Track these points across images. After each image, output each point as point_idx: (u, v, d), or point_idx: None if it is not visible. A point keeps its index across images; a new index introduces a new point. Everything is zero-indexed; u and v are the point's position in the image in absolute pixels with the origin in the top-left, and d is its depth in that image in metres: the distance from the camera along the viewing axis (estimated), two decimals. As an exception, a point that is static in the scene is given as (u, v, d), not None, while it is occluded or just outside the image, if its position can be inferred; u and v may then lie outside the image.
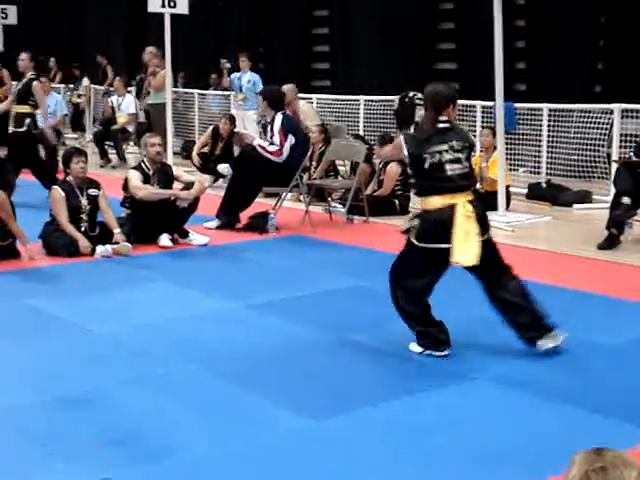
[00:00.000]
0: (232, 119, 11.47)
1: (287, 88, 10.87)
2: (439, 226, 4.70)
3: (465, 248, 4.65)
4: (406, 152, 4.82)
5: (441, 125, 4.80)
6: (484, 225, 4.79)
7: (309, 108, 11.21)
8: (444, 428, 3.95)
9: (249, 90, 12.65)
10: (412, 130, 11.41)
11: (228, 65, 13.58)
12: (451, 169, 4.75)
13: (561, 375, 4.62)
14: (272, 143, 8.49)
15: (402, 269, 4.91)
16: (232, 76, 13.02)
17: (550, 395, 4.30)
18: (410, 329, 4.95)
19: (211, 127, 11.87)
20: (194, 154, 11.47)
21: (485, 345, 5.07)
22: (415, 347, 4.95)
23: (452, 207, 4.69)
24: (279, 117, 8.59)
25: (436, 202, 4.74)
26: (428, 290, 4.89)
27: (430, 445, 3.77)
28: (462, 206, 4.69)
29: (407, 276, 4.88)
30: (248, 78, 12.67)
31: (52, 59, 18.34)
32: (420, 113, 11.45)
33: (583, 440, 3.72)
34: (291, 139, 8.51)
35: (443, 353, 4.87)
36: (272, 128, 8.53)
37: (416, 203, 4.95)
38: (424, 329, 4.91)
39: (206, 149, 11.43)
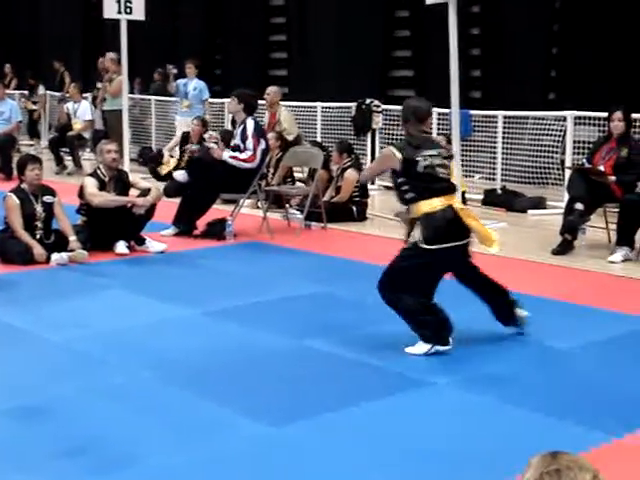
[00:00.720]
0: (204, 121, 11.45)
1: (273, 89, 10.91)
2: (449, 225, 4.90)
3: (490, 237, 5.10)
4: (400, 157, 4.94)
5: (425, 135, 5.13)
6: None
7: (289, 113, 11.22)
8: (404, 433, 3.97)
9: (195, 97, 12.64)
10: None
11: (175, 71, 13.54)
12: (442, 172, 4.98)
13: (516, 379, 4.67)
14: (244, 150, 8.45)
15: (406, 276, 4.97)
16: (178, 82, 13.00)
17: (508, 399, 4.35)
18: (414, 328, 5.01)
19: (181, 132, 11.82)
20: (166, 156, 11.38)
21: (443, 350, 5.11)
22: (418, 348, 4.99)
23: (450, 207, 4.92)
24: (251, 121, 8.58)
25: (436, 203, 4.90)
26: (432, 293, 5.07)
27: (391, 450, 3.79)
28: (458, 205, 5.04)
29: (411, 283, 4.97)
30: (194, 85, 12.67)
31: (7, 65, 18.13)
32: (377, 120, 11.57)
33: (539, 442, 3.77)
34: (262, 144, 8.52)
35: (448, 347, 4.98)
36: (244, 132, 8.50)
37: (412, 210, 4.99)
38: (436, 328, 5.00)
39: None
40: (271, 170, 10.00)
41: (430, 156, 4.95)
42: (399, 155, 4.96)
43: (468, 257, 5.19)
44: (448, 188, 5.01)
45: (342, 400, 4.34)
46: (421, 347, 5.00)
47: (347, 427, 4.04)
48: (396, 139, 11.48)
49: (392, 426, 4.06)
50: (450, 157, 5.27)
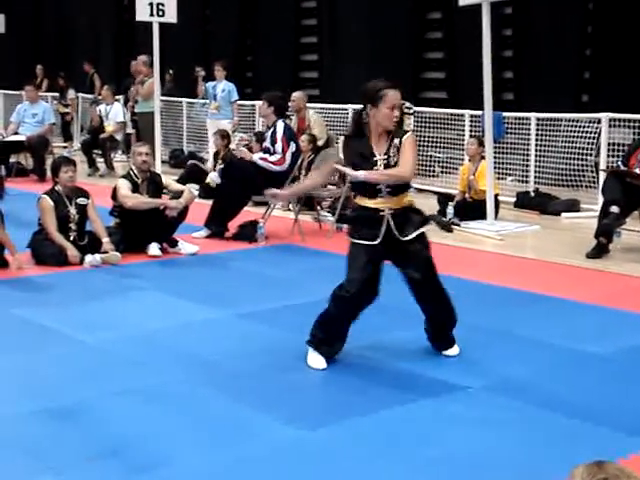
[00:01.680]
0: (222, 134, 11.43)
1: (298, 95, 10.88)
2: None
3: None
4: None
5: None
6: None
7: (318, 117, 11.19)
8: (436, 438, 3.94)
9: (223, 99, 12.67)
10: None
11: (203, 73, 13.57)
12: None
13: (552, 384, 4.62)
14: (273, 152, 8.46)
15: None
16: (207, 85, 13.04)
17: (542, 404, 4.30)
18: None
19: (213, 153, 11.84)
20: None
21: (475, 354, 5.07)
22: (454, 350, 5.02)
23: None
24: (281, 124, 8.58)
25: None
26: None
27: (423, 455, 3.76)
28: None
29: None
30: (223, 87, 12.70)
31: (39, 66, 18.26)
32: (408, 122, 11.52)
33: (576, 449, 3.76)
34: (292, 147, 8.51)
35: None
36: (274, 135, 8.51)
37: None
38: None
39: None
40: (303, 172, 9.98)
41: None
42: None
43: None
44: None
45: (374, 405, 4.31)
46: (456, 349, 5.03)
47: (379, 432, 4.02)
48: (428, 141, 11.48)
49: (425, 431, 4.03)
50: None
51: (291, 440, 3.94)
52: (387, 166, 4.79)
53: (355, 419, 4.14)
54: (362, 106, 4.89)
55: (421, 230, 4.88)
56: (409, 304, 5.56)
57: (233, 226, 8.52)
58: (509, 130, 10.85)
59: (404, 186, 4.88)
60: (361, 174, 4.76)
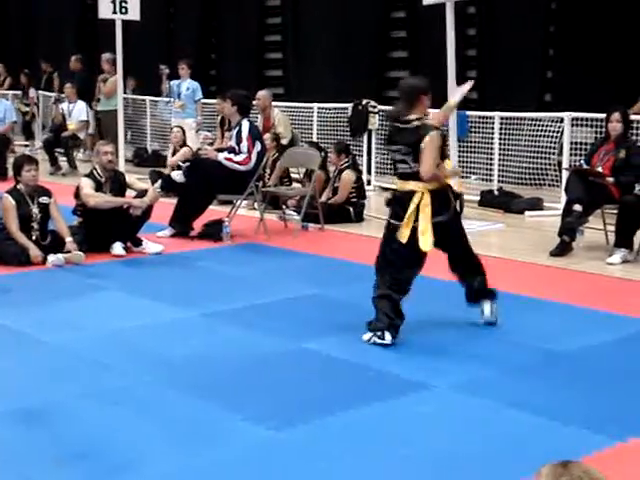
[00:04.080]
0: (183, 129, 11.36)
1: (263, 94, 10.84)
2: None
3: None
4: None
5: None
6: None
7: (283, 116, 11.16)
8: (405, 437, 3.94)
9: (188, 97, 12.61)
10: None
11: (167, 71, 13.50)
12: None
13: (518, 382, 4.65)
14: (238, 152, 8.42)
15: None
16: (171, 83, 12.96)
17: (509, 403, 4.31)
18: (384, 319, 5.12)
19: (170, 151, 11.74)
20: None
21: (441, 352, 5.10)
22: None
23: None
24: (246, 123, 8.54)
25: None
26: None
27: (392, 454, 3.76)
28: None
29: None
30: (187, 85, 12.64)
31: (0, 65, 18.04)
32: (373, 121, 11.54)
33: (543, 446, 3.78)
34: (258, 146, 8.48)
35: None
36: (239, 134, 8.46)
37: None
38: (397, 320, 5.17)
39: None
40: (267, 171, 9.96)
41: None
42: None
43: None
44: None
45: (342, 404, 4.30)
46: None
47: (348, 431, 4.01)
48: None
49: (393, 430, 4.03)
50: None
51: (261, 440, 3.92)
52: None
53: (324, 418, 4.13)
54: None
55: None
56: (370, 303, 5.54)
57: (198, 225, 8.47)
58: (472, 129, 10.90)
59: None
60: None
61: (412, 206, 5.11)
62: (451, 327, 5.57)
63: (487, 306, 5.53)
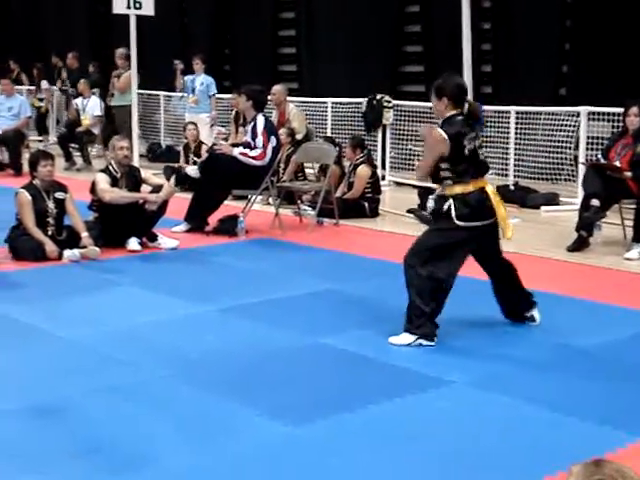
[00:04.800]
0: (195, 124, 11.34)
1: (278, 89, 10.80)
2: (481, 206, 5.02)
3: (508, 224, 5.20)
4: (449, 141, 4.95)
5: (459, 115, 5.09)
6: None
7: (298, 111, 11.12)
8: (424, 434, 3.92)
9: (202, 93, 12.60)
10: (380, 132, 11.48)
11: (181, 66, 13.50)
12: (481, 154, 5.14)
13: (536, 378, 4.61)
14: (254, 147, 8.40)
15: (439, 251, 5.04)
16: (185, 78, 12.95)
17: (527, 399, 4.29)
18: (413, 318, 5.03)
19: (182, 146, 11.71)
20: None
21: (460, 348, 5.07)
22: (402, 339, 5.03)
23: (483, 189, 5.07)
24: (261, 118, 8.51)
25: (470, 187, 5.02)
26: (457, 272, 5.14)
27: (411, 451, 3.74)
28: (490, 188, 5.15)
29: (438, 259, 5.04)
30: (201, 81, 12.63)
31: (12, 61, 18.03)
32: (387, 115, 11.50)
33: (561, 444, 3.75)
34: (273, 141, 8.45)
35: (433, 343, 5.04)
36: (254, 129, 8.44)
37: (444, 189, 5.11)
38: (430, 321, 5.06)
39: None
40: (282, 166, 9.94)
41: (472, 139, 5.03)
42: (448, 139, 4.97)
43: (496, 239, 5.28)
44: (485, 170, 5.19)
45: (361, 400, 4.28)
46: (406, 338, 5.04)
47: (366, 427, 3.99)
48: (407, 135, 11.45)
49: (412, 426, 4.01)
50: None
51: (277, 436, 3.90)
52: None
53: (342, 414, 4.10)
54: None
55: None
56: (393, 300, 5.55)
57: (213, 220, 8.46)
58: (488, 124, 10.84)
59: (446, 178, 5.05)
60: None
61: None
62: (467, 323, 5.53)
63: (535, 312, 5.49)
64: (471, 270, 5.39)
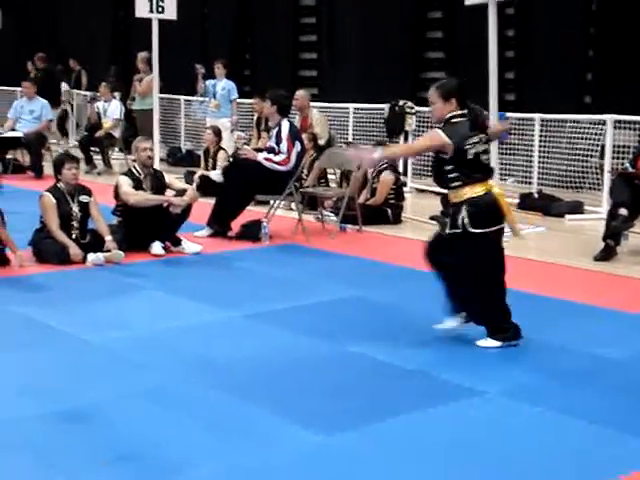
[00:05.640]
0: (215, 130, 11.29)
1: (301, 94, 10.76)
2: (490, 209, 5.00)
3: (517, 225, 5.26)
4: (452, 144, 4.93)
5: (462, 118, 5.06)
6: None
7: (321, 116, 11.08)
8: (456, 444, 3.85)
9: (223, 97, 12.59)
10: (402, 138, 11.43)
11: (203, 70, 13.49)
12: (485, 159, 5.09)
13: (570, 389, 4.54)
14: (278, 152, 8.37)
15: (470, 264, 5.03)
16: (207, 83, 12.94)
17: (561, 410, 4.21)
18: (492, 324, 5.10)
19: (202, 150, 11.66)
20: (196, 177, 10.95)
21: (489, 358, 5.01)
22: (493, 342, 5.11)
23: (491, 192, 5.03)
24: (286, 124, 8.47)
25: (478, 189, 4.99)
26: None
27: (443, 462, 3.68)
28: (497, 190, 5.12)
29: (489, 269, 5.07)
30: (223, 85, 12.62)
31: (29, 63, 18.04)
32: (410, 121, 11.45)
33: (599, 456, 3.68)
34: (297, 146, 8.41)
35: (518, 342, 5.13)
36: (279, 134, 8.41)
37: (454, 194, 5.08)
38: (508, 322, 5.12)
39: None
40: (304, 171, 9.89)
41: (475, 143, 5.00)
42: (449, 142, 4.94)
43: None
44: (489, 174, 5.15)
45: (392, 409, 4.22)
46: (496, 342, 5.11)
47: (398, 437, 3.93)
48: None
49: (444, 437, 3.94)
50: (489, 140, 5.24)
51: (308, 445, 3.85)
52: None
53: (373, 424, 4.05)
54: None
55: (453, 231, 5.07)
56: (418, 307, 5.51)
57: (236, 225, 8.43)
58: (511, 131, 10.76)
59: (453, 180, 5.02)
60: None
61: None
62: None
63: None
64: (508, 283, 5.31)
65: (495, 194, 5.05)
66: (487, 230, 4.99)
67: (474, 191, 4.99)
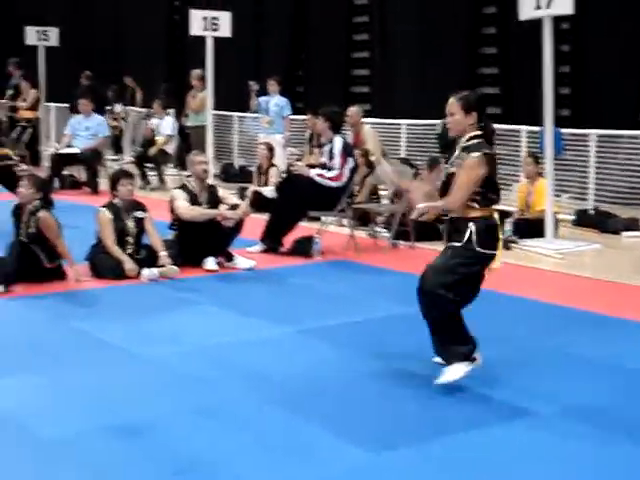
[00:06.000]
0: (269, 146, 11.35)
1: (354, 110, 10.78)
2: (494, 234, 4.76)
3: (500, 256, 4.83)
4: (486, 170, 4.69)
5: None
6: None
7: (373, 133, 11.08)
8: (514, 467, 3.79)
9: (276, 114, 12.64)
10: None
11: (256, 87, 13.58)
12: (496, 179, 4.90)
13: (629, 410, 4.45)
14: (331, 168, 8.39)
15: (462, 281, 4.73)
16: (260, 99, 13.03)
17: (619, 431, 4.14)
18: (450, 350, 4.75)
19: (255, 167, 11.72)
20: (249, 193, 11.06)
21: (542, 377, 4.94)
22: (454, 372, 4.70)
23: (492, 216, 4.80)
24: (339, 140, 8.50)
25: (490, 211, 4.79)
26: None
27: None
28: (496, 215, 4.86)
29: (462, 288, 4.75)
30: (276, 102, 12.68)
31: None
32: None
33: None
34: (350, 162, 8.43)
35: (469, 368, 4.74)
36: (332, 150, 8.44)
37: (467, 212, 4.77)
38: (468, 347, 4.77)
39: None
40: (357, 188, 9.89)
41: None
42: (485, 169, 4.68)
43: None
44: (499, 196, 4.91)
45: (445, 428, 4.19)
46: (458, 369, 4.70)
47: (451, 458, 3.89)
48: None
49: (500, 459, 3.88)
50: None
51: (360, 462, 3.84)
52: (446, 174, 4.88)
53: (426, 443, 4.02)
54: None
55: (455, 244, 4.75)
56: (474, 324, 5.43)
57: (288, 241, 8.45)
58: (566, 147, 10.66)
59: (471, 200, 4.74)
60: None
61: None
62: (551, 351, 5.40)
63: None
64: (561, 299, 5.25)
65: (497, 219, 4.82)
66: (488, 252, 4.71)
67: (484, 212, 4.73)
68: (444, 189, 4.84)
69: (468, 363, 4.73)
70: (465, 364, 4.71)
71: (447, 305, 4.70)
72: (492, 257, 4.75)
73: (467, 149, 4.73)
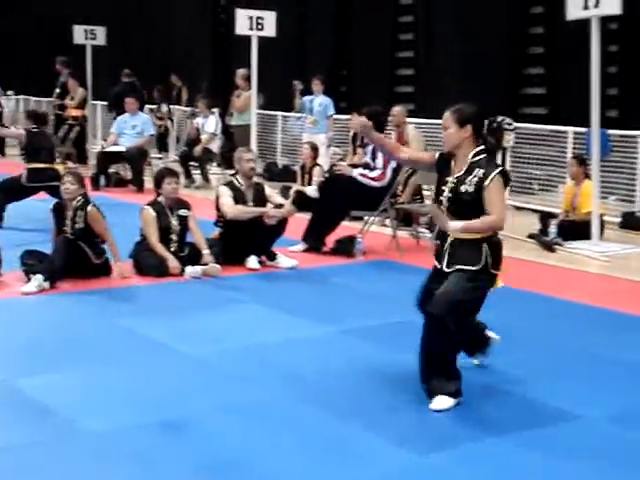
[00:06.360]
0: (313, 146, 11.34)
1: (398, 110, 10.74)
2: (501, 252, 4.60)
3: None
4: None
5: None
6: None
7: (418, 132, 11.04)
8: (560, 471, 3.76)
9: (320, 113, 12.64)
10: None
11: (301, 86, 13.59)
12: None
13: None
14: (373, 168, 8.38)
15: (475, 303, 4.57)
16: (304, 99, 13.03)
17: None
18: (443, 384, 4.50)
19: (299, 166, 11.73)
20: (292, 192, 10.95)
21: (590, 381, 4.88)
22: (443, 402, 4.44)
23: (497, 234, 4.63)
24: None
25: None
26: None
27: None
28: None
29: (471, 311, 4.60)
30: (320, 101, 12.68)
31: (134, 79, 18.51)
32: (508, 138, 11.28)
33: None
34: (393, 162, 8.41)
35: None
36: (374, 150, 8.43)
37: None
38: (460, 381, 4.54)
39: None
40: (400, 188, 9.85)
41: None
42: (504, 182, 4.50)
43: None
44: None
45: (489, 430, 4.17)
46: (449, 400, 4.45)
47: (491, 459, 3.87)
48: (528, 158, 11.21)
49: (545, 462, 3.84)
50: None
51: (403, 464, 3.83)
52: (453, 191, 4.58)
53: (470, 445, 3.99)
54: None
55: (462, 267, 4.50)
56: (517, 327, 5.41)
57: (330, 241, 8.45)
58: (613, 148, 10.52)
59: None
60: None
61: None
62: (592, 354, 5.33)
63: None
64: (606, 302, 5.18)
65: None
66: (496, 272, 4.54)
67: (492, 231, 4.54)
68: (456, 207, 4.58)
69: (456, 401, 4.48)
70: (454, 401, 4.46)
71: (462, 331, 4.52)
72: (496, 276, 4.56)
73: (479, 166, 4.46)
